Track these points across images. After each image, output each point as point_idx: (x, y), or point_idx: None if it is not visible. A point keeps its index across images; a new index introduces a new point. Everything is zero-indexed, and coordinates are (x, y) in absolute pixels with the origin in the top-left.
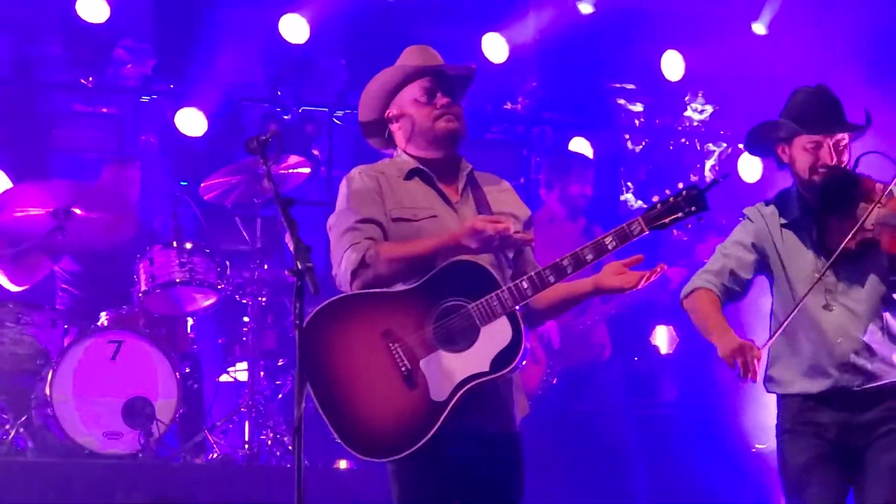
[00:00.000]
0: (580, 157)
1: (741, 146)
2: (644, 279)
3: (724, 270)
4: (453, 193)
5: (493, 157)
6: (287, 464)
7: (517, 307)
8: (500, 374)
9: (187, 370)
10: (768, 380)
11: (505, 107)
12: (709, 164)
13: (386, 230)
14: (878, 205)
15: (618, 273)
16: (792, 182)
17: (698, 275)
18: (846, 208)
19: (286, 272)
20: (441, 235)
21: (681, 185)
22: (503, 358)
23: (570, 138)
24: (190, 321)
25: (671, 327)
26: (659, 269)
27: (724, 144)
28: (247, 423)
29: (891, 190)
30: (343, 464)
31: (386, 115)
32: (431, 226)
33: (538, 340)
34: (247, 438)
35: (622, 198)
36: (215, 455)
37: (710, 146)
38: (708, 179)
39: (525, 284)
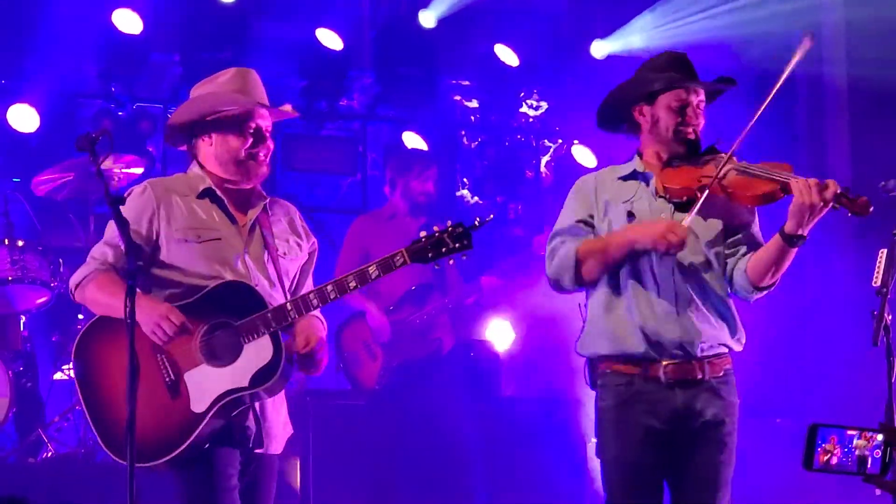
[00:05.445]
0: (422, 154)
1: (576, 142)
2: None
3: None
4: (242, 217)
5: (329, 153)
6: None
7: (280, 327)
8: (257, 389)
9: (20, 368)
10: None
11: (340, 103)
12: (544, 160)
13: (149, 250)
14: (729, 160)
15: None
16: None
17: (556, 254)
18: (692, 161)
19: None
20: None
21: (449, 222)
22: (262, 375)
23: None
24: (23, 319)
25: (508, 322)
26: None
27: (560, 140)
28: (82, 421)
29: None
30: None
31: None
32: (214, 248)
33: (373, 337)
34: (82, 436)
35: (458, 193)
36: (50, 453)
37: (546, 142)
38: (544, 174)
39: (289, 307)
